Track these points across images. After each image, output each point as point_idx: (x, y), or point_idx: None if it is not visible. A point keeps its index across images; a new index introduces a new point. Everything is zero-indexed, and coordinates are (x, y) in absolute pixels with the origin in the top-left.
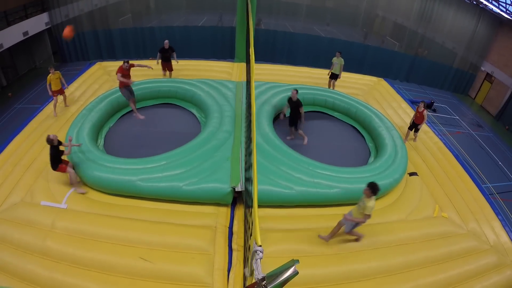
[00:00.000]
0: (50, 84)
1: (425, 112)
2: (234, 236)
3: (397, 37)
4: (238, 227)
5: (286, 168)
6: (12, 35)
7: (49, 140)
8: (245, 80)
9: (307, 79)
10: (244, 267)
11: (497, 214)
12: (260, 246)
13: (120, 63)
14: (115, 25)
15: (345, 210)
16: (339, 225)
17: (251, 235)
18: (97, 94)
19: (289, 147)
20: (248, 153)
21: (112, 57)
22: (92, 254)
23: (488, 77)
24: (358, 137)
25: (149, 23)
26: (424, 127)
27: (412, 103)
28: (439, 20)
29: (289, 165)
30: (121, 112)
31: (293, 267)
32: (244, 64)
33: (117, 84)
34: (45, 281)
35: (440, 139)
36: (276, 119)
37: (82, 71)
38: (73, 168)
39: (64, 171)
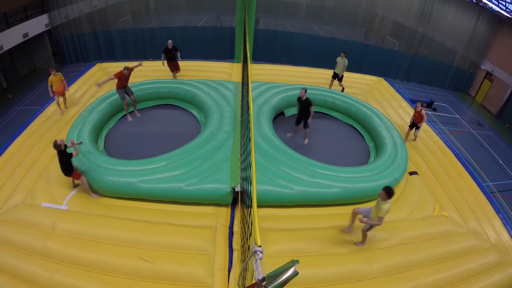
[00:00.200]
0: (51, 86)
1: (423, 112)
2: (235, 236)
3: (396, 36)
4: (238, 227)
5: (286, 168)
6: (12, 37)
7: (57, 146)
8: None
9: (307, 79)
10: (241, 268)
11: (497, 212)
12: (260, 246)
13: (120, 64)
14: (115, 26)
15: (345, 209)
16: (354, 213)
17: (250, 235)
18: (97, 96)
19: (288, 147)
20: (247, 153)
21: (112, 58)
22: (93, 255)
23: (488, 75)
24: (358, 136)
25: (149, 24)
26: (424, 126)
27: (412, 102)
28: (439, 18)
29: (289, 165)
30: (121, 113)
31: (293, 268)
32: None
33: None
34: (45, 282)
35: (440, 138)
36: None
37: (82, 72)
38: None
39: (79, 177)
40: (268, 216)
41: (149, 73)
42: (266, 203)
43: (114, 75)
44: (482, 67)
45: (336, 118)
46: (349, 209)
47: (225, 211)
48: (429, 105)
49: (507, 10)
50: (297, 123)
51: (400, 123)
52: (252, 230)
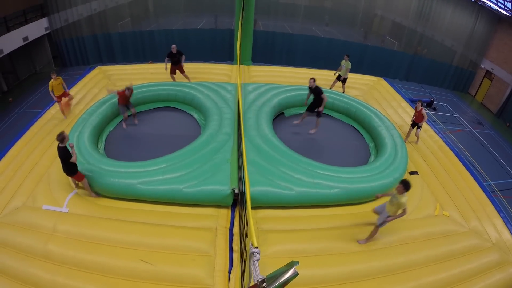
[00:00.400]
0: (52, 91)
1: (424, 111)
2: (235, 238)
3: (396, 36)
4: (238, 228)
5: (286, 169)
6: (12, 41)
7: (61, 136)
8: (242, 82)
9: (307, 80)
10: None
11: (499, 211)
12: (257, 247)
13: (120, 67)
14: (114, 29)
15: (346, 210)
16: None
17: (246, 236)
18: (97, 98)
19: (288, 147)
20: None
21: (112, 61)
22: (93, 257)
23: (488, 74)
24: (358, 136)
25: (148, 27)
26: (424, 126)
27: (412, 102)
28: (438, 18)
29: (289, 166)
30: (121, 116)
31: (293, 269)
32: (243, 66)
33: (116, 88)
34: (47, 284)
35: (441, 137)
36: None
37: (82, 75)
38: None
39: (82, 179)
40: (268, 217)
41: (149, 75)
42: (266, 204)
43: (118, 92)
44: (482, 66)
45: (336, 118)
46: (349, 209)
47: (225, 213)
48: (429, 104)
49: (506, 8)
50: (309, 110)
51: (400, 123)
52: (248, 231)
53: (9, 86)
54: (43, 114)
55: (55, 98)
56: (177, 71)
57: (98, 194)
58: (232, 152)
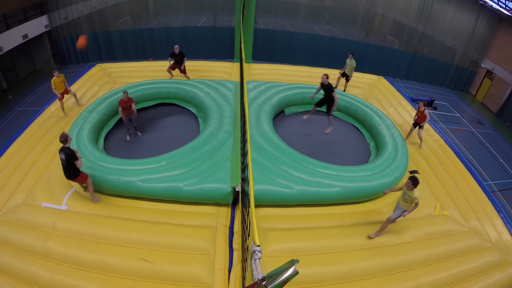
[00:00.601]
0: (55, 88)
1: (426, 112)
2: (235, 236)
3: (396, 35)
4: (238, 227)
5: (286, 167)
6: (11, 38)
7: (64, 137)
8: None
9: (307, 78)
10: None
11: (498, 211)
12: (259, 246)
13: (120, 64)
14: (114, 26)
15: (346, 209)
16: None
17: (249, 235)
18: (97, 96)
19: (289, 146)
20: (245, 153)
21: (112, 58)
22: (93, 255)
23: (489, 74)
24: (359, 135)
25: (148, 25)
26: (425, 125)
27: (413, 101)
28: (439, 17)
29: (290, 164)
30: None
31: (293, 267)
32: (244, 64)
33: (116, 86)
34: (46, 283)
35: (441, 136)
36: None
37: (82, 73)
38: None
39: (85, 181)
40: (269, 215)
41: (149, 73)
42: (266, 202)
43: (119, 104)
44: (482, 65)
45: (336, 116)
46: (349, 208)
47: (225, 211)
48: (430, 103)
49: (507, 8)
50: (317, 105)
51: (400, 122)
52: (250, 230)
53: (8, 84)
54: (42, 112)
55: (59, 96)
56: (177, 70)
57: (99, 199)
58: (233, 150)
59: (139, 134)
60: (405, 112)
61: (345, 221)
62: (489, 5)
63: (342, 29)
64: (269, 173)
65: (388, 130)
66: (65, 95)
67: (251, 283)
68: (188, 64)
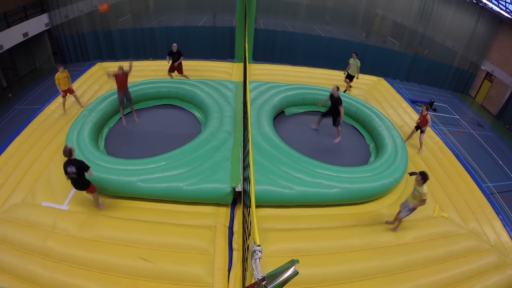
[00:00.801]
0: (59, 84)
1: (429, 116)
2: (235, 236)
3: (397, 36)
4: (238, 227)
5: (287, 168)
6: (12, 36)
7: (68, 151)
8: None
9: (307, 79)
10: (244, 268)
11: (497, 213)
12: (259, 246)
13: (120, 63)
14: (115, 25)
15: (346, 210)
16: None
17: (249, 235)
18: (97, 95)
19: (289, 147)
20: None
21: (112, 57)
22: (93, 254)
23: (488, 76)
24: (359, 136)
25: (149, 24)
26: (426, 129)
27: (413, 102)
28: (439, 19)
29: (290, 165)
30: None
31: (293, 267)
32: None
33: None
34: (46, 282)
35: (441, 138)
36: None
37: (82, 71)
38: None
39: (95, 191)
40: (269, 216)
41: (149, 72)
42: (266, 203)
43: (114, 75)
44: (482, 67)
45: None
46: (349, 209)
47: (225, 211)
48: (429, 105)
49: (507, 10)
50: (323, 115)
51: (400, 124)
52: (251, 230)
53: (8, 82)
54: (42, 110)
55: (62, 93)
56: (176, 71)
57: (103, 206)
58: (233, 150)
59: (137, 120)
60: (405, 114)
61: (345, 222)
62: (489, 7)
63: (343, 30)
64: (269, 173)
65: (388, 131)
66: (68, 94)
67: (251, 283)
68: (189, 64)
